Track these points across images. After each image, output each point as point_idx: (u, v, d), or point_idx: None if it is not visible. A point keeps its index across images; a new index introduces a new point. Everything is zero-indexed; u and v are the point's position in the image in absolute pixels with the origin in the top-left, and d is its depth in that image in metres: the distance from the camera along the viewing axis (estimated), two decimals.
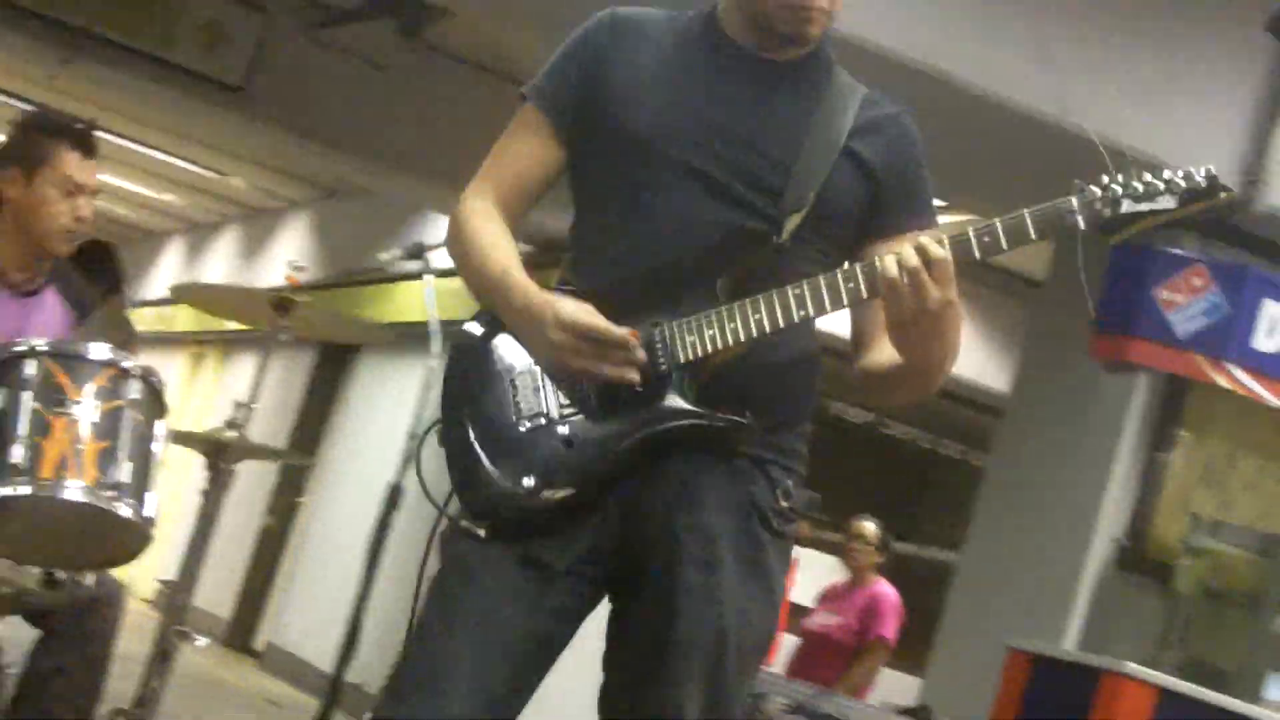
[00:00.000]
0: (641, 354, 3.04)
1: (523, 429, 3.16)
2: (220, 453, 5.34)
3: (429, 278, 6.45)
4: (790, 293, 3.02)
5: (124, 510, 4.20)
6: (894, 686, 10.76)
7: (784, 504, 3.19)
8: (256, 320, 6.04)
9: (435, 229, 13.98)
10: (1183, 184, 2.93)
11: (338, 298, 15.16)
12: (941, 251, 2.93)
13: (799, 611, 11.24)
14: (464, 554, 3.18)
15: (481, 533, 3.16)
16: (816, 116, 3.21)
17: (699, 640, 3.11)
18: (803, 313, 3.02)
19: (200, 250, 21.07)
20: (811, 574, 11.78)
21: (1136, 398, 8.52)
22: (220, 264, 19.96)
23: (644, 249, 3.17)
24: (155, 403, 4.38)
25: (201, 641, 5.63)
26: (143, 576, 12.21)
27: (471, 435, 3.20)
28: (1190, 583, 8.39)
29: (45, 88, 13.22)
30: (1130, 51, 7.87)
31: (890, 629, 10.40)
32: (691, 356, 3.07)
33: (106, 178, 17.40)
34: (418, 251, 6.53)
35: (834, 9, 3.19)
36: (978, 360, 13.03)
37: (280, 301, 5.75)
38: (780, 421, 3.20)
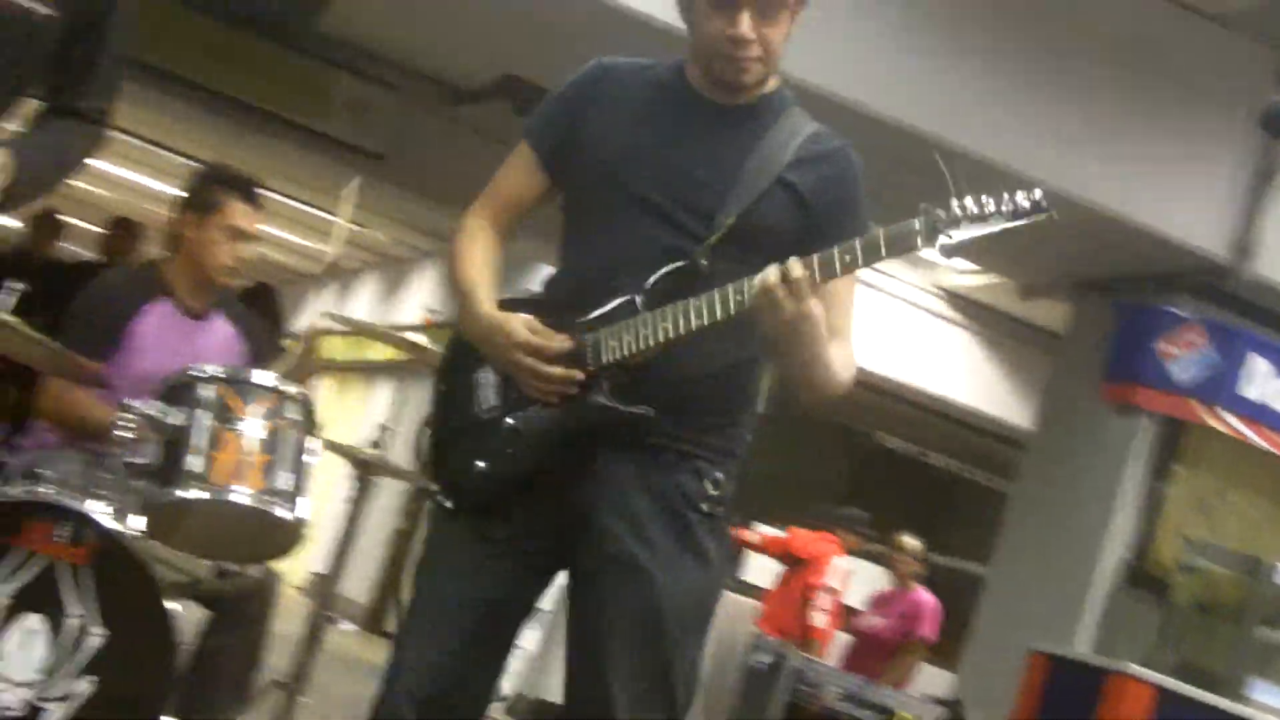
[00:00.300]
0: (562, 372, 3.12)
1: (482, 419, 3.25)
2: (365, 468, 5.39)
3: None
4: (692, 303, 3.05)
5: (283, 513, 4.25)
6: (931, 680, 10.71)
7: (713, 491, 3.18)
8: (397, 352, 6.06)
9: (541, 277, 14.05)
10: (1011, 206, 2.90)
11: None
12: (799, 271, 2.93)
13: (850, 613, 11.21)
14: (435, 530, 3.35)
15: (449, 504, 3.30)
16: (758, 150, 3.21)
17: (631, 612, 3.12)
18: (699, 321, 3.03)
19: (346, 293, 21.16)
20: (862, 581, 11.72)
21: (1140, 436, 8.56)
22: (363, 305, 20.03)
23: (593, 264, 3.24)
24: (310, 422, 4.43)
25: (345, 625, 5.69)
26: (295, 568, 12.28)
27: (444, 424, 3.35)
28: (1185, 597, 8.41)
29: (220, 153, 13.33)
30: (1135, 134, 7.87)
31: (929, 630, 10.42)
32: (613, 359, 3.12)
33: (268, 228, 17.57)
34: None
35: (769, 58, 3.20)
36: (1005, 400, 12.99)
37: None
38: (709, 420, 3.21)
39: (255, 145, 11.89)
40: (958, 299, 12.84)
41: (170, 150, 14.92)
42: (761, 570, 12.71)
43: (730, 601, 14.22)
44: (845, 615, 11.20)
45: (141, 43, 10.53)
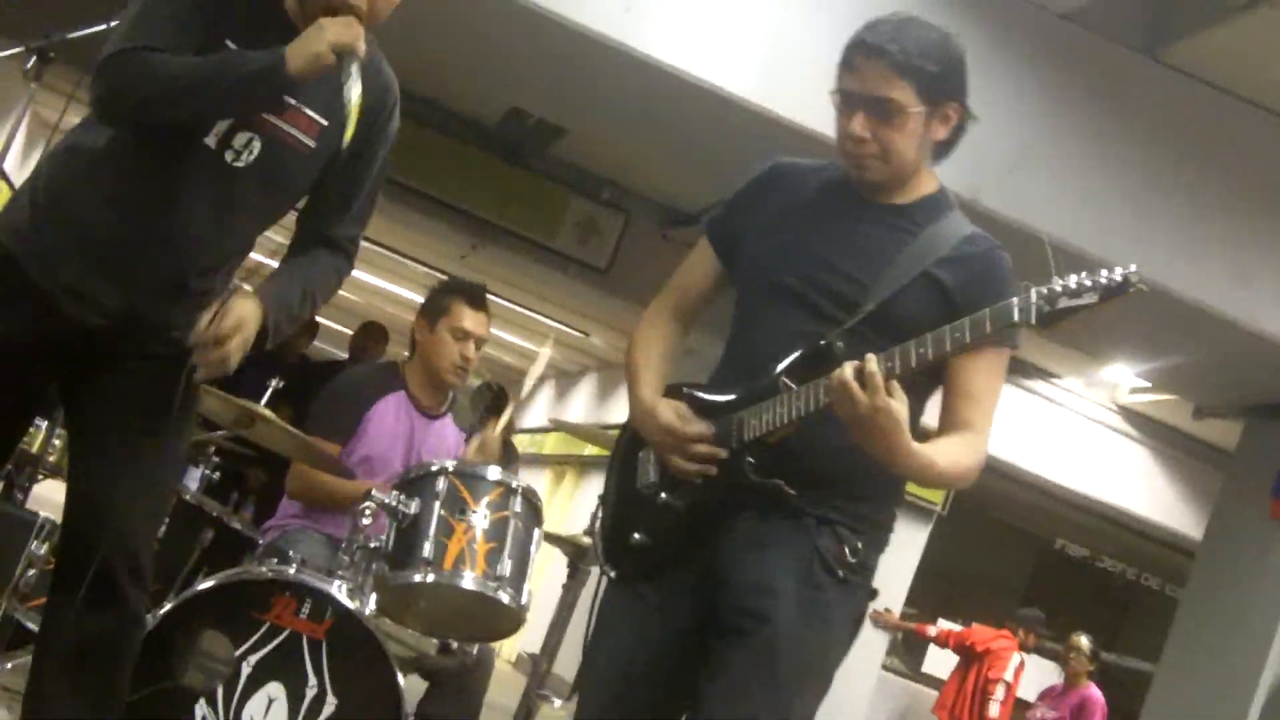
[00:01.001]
0: (705, 449, 3.09)
1: (642, 494, 3.25)
2: (579, 555, 5.36)
3: None
4: (814, 385, 2.97)
5: (505, 597, 4.22)
6: None
7: (850, 558, 3.09)
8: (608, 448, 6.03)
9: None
10: (1104, 281, 2.77)
11: None
12: (871, 366, 2.83)
13: (1023, 705, 11.05)
14: (603, 600, 3.31)
15: (613, 574, 3.29)
16: (909, 247, 3.12)
17: (750, 660, 3.04)
18: (813, 402, 2.96)
19: (566, 392, 21.31)
20: (1035, 675, 11.55)
21: None
22: (581, 404, 20.14)
23: (744, 352, 3.22)
24: (534, 514, 4.40)
25: (557, 702, 5.62)
26: (510, 644, 12.28)
27: (611, 498, 3.36)
28: None
29: (458, 264, 13.53)
30: None
31: None
32: (753, 436, 3.06)
33: (498, 333, 17.79)
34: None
35: (889, 158, 3.11)
36: (1176, 510, 12.71)
37: None
38: (850, 491, 3.11)
39: (491, 257, 12.02)
40: (1135, 415, 12.59)
41: (415, 260, 15.16)
42: (940, 661, 12.55)
43: (909, 689, 14.05)
44: (1018, 707, 11.04)
45: (397, 163, 10.75)
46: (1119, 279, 2.77)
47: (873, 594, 3.22)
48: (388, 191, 10.41)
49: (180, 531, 5.01)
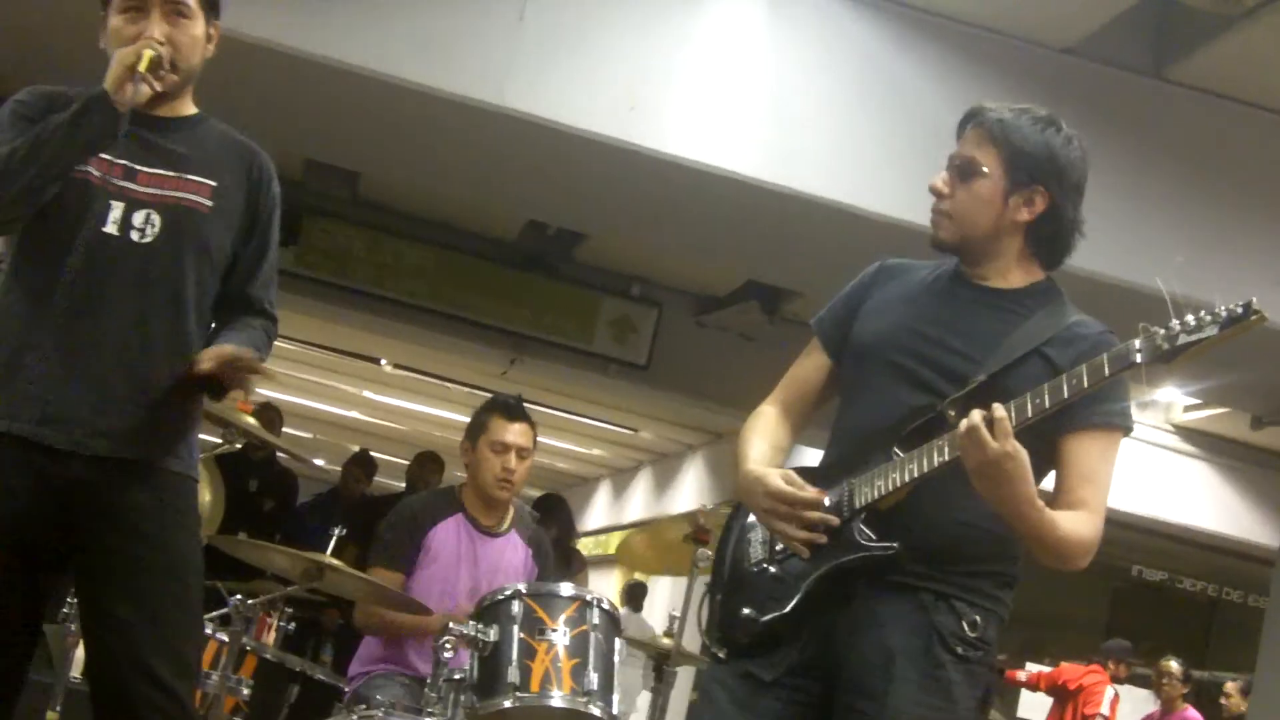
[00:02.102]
0: (817, 515, 3.04)
1: (750, 570, 3.22)
2: (663, 658, 5.30)
3: None
4: (935, 444, 2.94)
5: (596, 710, 4.16)
6: None
7: (970, 633, 3.01)
8: (677, 561, 6.06)
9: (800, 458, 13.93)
10: (1224, 314, 2.75)
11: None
12: (1000, 412, 2.80)
13: None
14: (707, 681, 3.26)
15: (722, 655, 3.21)
16: (1020, 328, 3.10)
17: None
18: (939, 458, 2.92)
19: (622, 489, 21.25)
20: (1130, 706, 11.43)
21: None
22: (639, 499, 20.08)
23: (851, 429, 3.19)
24: (612, 624, 4.35)
25: None
26: None
27: (720, 579, 3.32)
28: None
29: (499, 380, 13.55)
30: None
31: None
32: (864, 503, 3.03)
33: (548, 440, 17.77)
34: None
35: (957, 218, 3.13)
36: (1247, 522, 12.58)
37: (695, 535, 5.70)
38: (967, 565, 3.05)
39: (532, 368, 12.03)
40: (1192, 433, 12.47)
41: (457, 382, 15.21)
42: (1035, 704, 12.43)
43: None
44: None
45: (429, 291, 10.85)
46: (1240, 309, 2.76)
47: (996, 669, 3.16)
48: (423, 318, 10.45)
49: (266, 691, 4.98)
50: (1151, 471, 12.37)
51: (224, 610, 5.03)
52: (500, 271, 10.79)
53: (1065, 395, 2.85)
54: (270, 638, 6.18)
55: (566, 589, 4.37)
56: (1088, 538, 3.01)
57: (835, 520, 3.06)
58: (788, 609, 3.11)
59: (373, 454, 10.91)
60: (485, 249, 10.57)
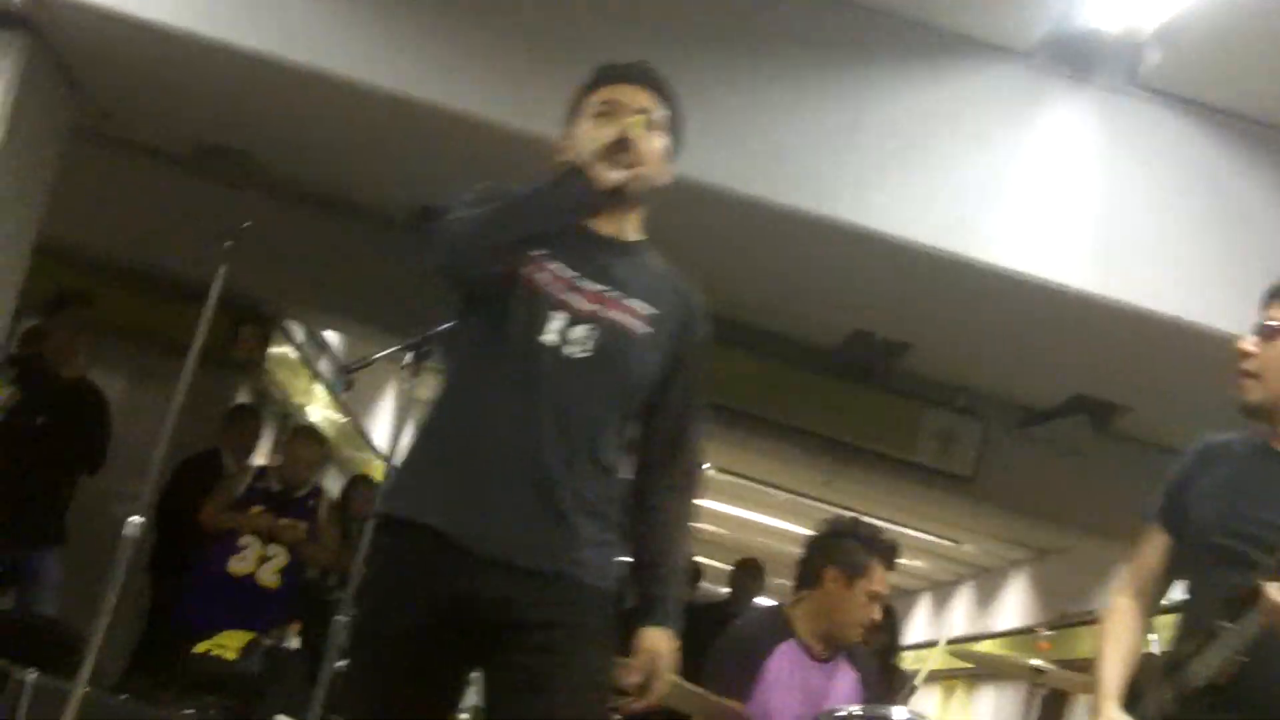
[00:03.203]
0: None
1: None
2: None
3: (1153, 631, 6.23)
4: (1248, 618, 3.01)
5: None
6: None
7: None
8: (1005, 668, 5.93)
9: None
10: None
11: (1056, 640, 14.66)
12: None
13: None
14: None
15: None
16: None
17: None
18: (1248, 633, 2.99)
19: (944, 603, 20.91)
20: None
21: None
22: (960, 614, 19.73)
23: (1196, 616, 3.25)
24: None
25: None
26: None
27: None
28: None
29: (821, 488, 13.53)
30: None
31: None
32: (1202, 683, 3.10)
33: None
34: None
35: (1265, 381, 3.21)
36: None
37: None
38: None
39: (853, 478, 12.00)
40: None
41: (778, 488, 15.22)
42: None
43: None
44: None
45: (749, 395, 10.95)
46: None
47: None
48: (745, 423, 10.51)
49: None
50: None
51: None
52: (823, 380, 10.82)
53: None
54: None
55: (899, 713, 4.35)
56: None
57: None
58: None
59: (696, 559, 11.02)
60: (808, 357, 10.62)
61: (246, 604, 7.82)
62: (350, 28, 6.59)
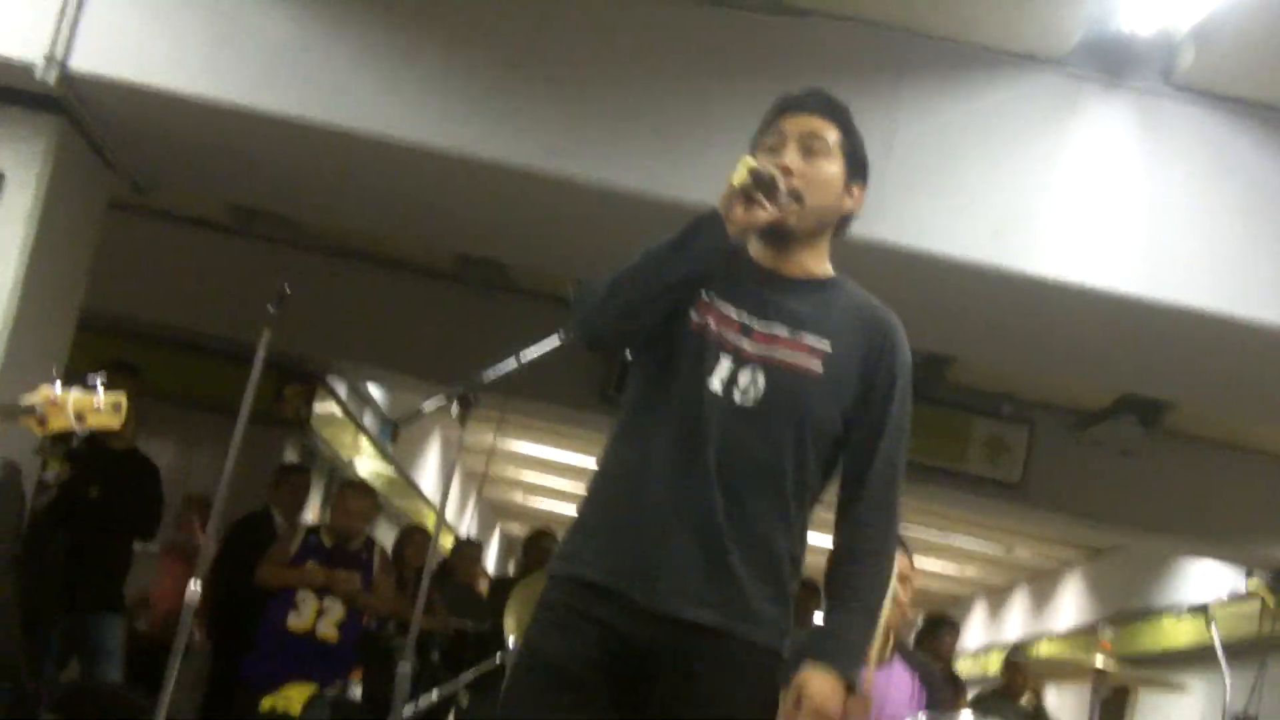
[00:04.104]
0: None
1: None
2: None
3: (1213, 621, 6.17)
4: None
5: None
6: None
7: None
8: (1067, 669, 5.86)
9: (1178, 581, 13.41)
10: None
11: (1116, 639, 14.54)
12: None
13: None
14: None
15: None
16: None
17: None
18: None
19: (998, 608, 20.80)
20: None
21: None
22: (1017, 618, 19.62)
23: None
24: None
25: None
26: None
27: None
28: None
29: None
30: None
31: None
32: None
33: (920, 562, 17.51)
34: (1202, 608, 6.32)
35: None
36: None
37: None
38: None
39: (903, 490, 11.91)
40: None
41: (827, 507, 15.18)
42: None
43: None
44: None
45: None
46: None
47: None
48: None
49: None
50: None
51: None
52: None
53: None
54: None
55: (965, 717, 4.29)
56: None
57: None
58: None
59: None
60: None
61: (307, 658, 7.80)
62: (378, 84, 6.57)
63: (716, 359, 3.05)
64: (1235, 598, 11.10)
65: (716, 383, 3.03)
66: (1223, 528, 10.71)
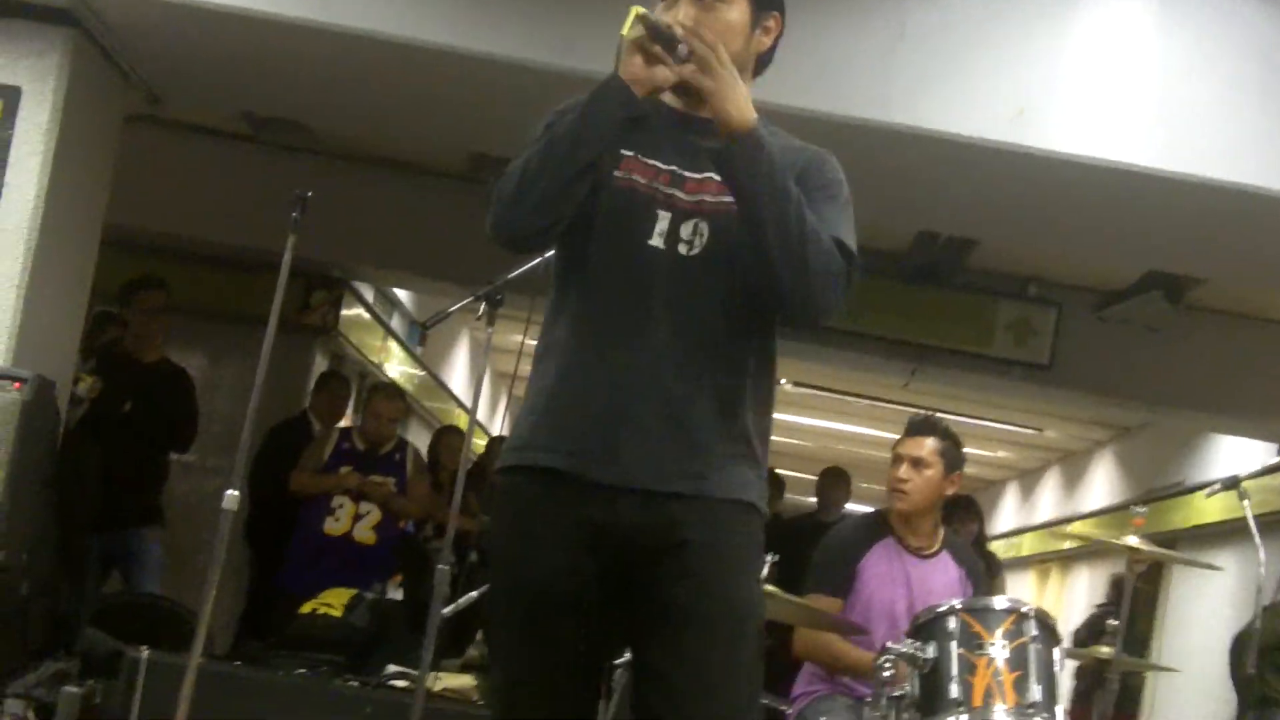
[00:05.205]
0: None
1: None
2: (1100, 667, 5.20)
3: (1246, 496, 6.20)
4: None
5: None
6: None
7: None
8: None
9: (1210, 457, 13.43)
10: None
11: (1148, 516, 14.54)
12: None
13: None
14: None
15: None
16: None
17: None
18: None
19: (1031, 490, 20.85)
20: None
21: None
22: (1049, 500, 19.67)
23: None
24: (1050, 635, 4.29)
25: None
26: None
27: None
28: None
29: (901, 392, 13.48)
30: None
31: None
32: None
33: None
34: (1233, 483, 6.35)
35: None
36: None
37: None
38: None
39: (932, 377, 11.94)
40: None
41: (859, 396, 15.21)
42: None
43: None
44: None
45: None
46: None
47: None
48: (820, 336, 10.46)
49: None
50: None
51: None
52: (893, 284, 10.74)
53: None
54: None
55: (1001, 602, 4.34)
56: None
57: None
58: None
59: (779, 471, 10.99)
60: (877, 262, 10.53)
61: (346, 562, 7.89)
62: None
63: (653, 214, 2.92)
64: (1268, 470, 11.13)
65: (657, 238, 2.91)
66: (1252, 401, 10.70)
